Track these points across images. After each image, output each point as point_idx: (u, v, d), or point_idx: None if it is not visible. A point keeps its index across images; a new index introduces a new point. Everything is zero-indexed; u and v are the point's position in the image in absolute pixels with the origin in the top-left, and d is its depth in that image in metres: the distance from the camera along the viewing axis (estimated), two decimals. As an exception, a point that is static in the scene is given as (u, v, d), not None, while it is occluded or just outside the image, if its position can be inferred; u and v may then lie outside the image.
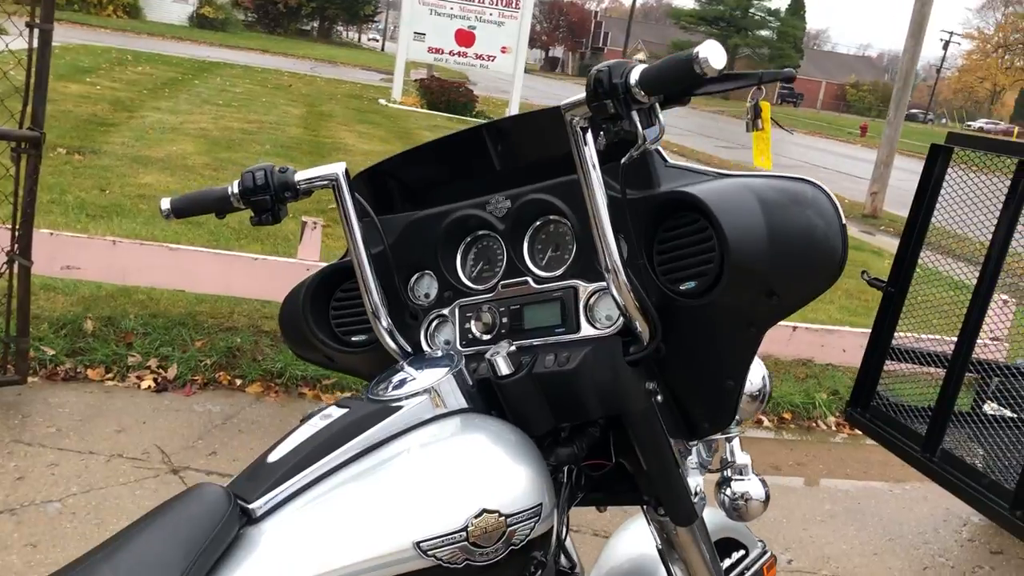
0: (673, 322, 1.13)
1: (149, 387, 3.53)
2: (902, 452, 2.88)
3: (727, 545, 1.63)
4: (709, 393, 1.19)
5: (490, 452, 1.07)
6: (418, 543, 0.98)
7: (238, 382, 3.70)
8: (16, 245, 3.15)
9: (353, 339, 1.40)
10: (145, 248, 3.82)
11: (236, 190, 1.28)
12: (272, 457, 1.07)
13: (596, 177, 1.08)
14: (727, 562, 1.61)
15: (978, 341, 2.84)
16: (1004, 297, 4.30)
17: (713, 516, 1.50)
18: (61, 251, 3.70)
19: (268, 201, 1.27)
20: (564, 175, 1.21)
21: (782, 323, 4.57)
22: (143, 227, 5.32)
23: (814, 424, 4.36)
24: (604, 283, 1.15)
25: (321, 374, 3.80)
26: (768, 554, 1.70)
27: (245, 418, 3.43)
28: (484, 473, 1.05)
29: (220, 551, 0.97)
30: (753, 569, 1.64)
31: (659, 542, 1.38)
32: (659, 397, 1.19)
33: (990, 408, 3.23)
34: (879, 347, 3.03)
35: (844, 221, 1.05)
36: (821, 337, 4.71)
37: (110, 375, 3.56)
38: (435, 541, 0.99)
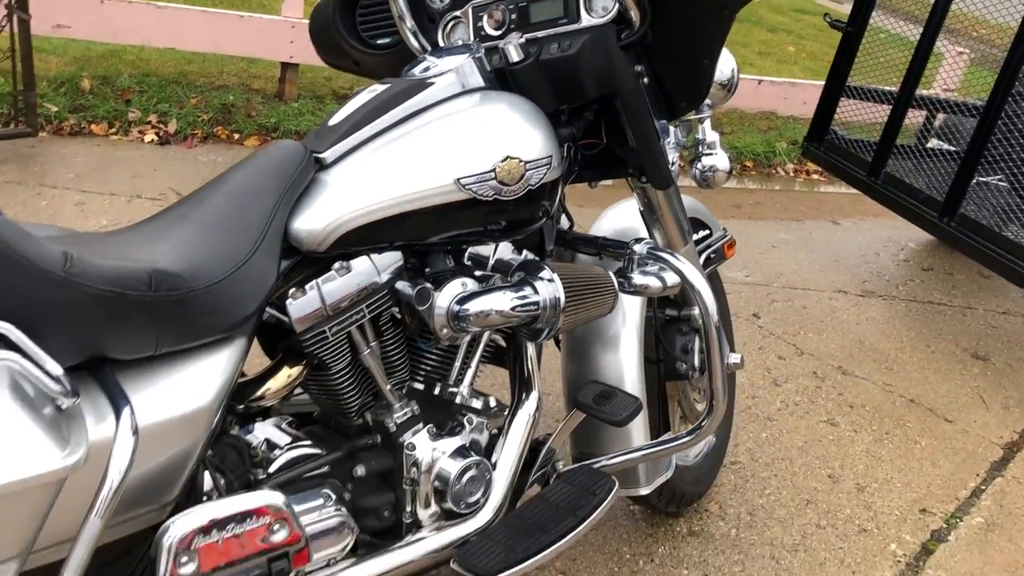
0: (659, 9, 1.37)
1: (152, 140, 3.73)
2: (850, 177, 3.21)
3: (695, 224, 1.93)
4: (687, 72, 1.46)
5: (511, 114, 1.34)
6: (458, 179, 1.27)
7: (236, 136, 3.91)
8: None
9: (378, 42, 1.63)
10: (133, 7, 3.88)
11: None
12: (332, 121, 1.33)
13: None
14: (695, 237, 1.92)
15: (932, 92, 3.10)
16: (960, 49, 4.52)
17: (685, 200, 1.80)
18: (51, 9, 3.76)
19: None
20: None
21: (747, 76, 4.77)
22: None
23: (774, 171, 4.69)
24: None
25: (314, 126, 4.00)
26: (728, 236, 2.02)
27: (248, 167, 3.66)
28: (507, 129, 1.32)
29: (303, 187, 1.25)
30: (715, 245, 1.97)
31: (641, 206, 1.68)
32: (645, 80, 1.46)
33: (934, 143, 3.54)
34: (836, 84, 3.28)
35: None
36: (784, 90, 4.94)
37: (113, 130, 3.75)
38: (471, 178, 1.28)
